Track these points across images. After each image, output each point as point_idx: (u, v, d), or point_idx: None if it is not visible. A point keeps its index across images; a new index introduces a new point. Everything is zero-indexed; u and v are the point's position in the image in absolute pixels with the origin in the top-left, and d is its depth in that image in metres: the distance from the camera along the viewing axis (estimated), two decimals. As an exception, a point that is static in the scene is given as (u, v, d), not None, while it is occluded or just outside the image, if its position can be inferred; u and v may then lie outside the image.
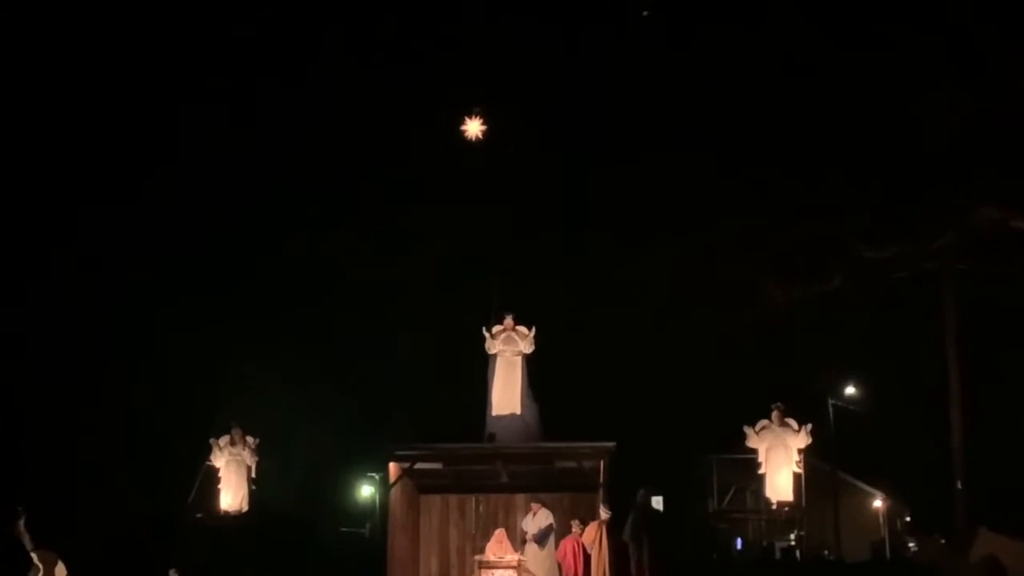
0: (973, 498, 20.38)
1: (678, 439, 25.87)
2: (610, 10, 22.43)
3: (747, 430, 17.52)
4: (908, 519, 36.54)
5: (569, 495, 18.00)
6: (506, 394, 18.23)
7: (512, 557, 16.89)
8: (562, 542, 17.05)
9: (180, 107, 23.12)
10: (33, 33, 21.19)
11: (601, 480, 16.94)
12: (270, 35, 23.22)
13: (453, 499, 18.58)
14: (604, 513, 16.39)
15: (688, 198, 21.66)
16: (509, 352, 18.36)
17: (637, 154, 22.59)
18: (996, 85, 18.92)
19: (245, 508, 17.79)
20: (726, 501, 24.25)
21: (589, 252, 23.52)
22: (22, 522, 13.01)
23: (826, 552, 26.44)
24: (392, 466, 17.63)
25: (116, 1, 21.96)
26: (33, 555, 12.61)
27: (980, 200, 19.83)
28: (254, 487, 17.93)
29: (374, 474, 24.91)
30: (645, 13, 21.99)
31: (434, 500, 18.59)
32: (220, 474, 17.84)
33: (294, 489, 23.17)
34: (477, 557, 17.15)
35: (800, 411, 17.77)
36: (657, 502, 19.16)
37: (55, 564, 12.81)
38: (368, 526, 25.28)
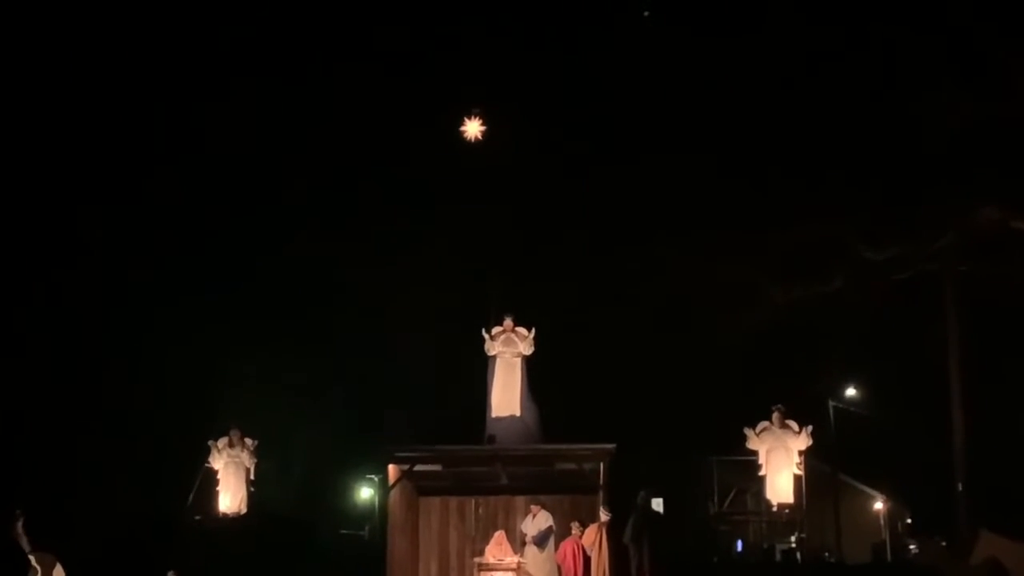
0: (974, 500, 20.34)
1: (678, 441, 25.80)
2: (610, 10, 22.43)
3: (747, 432, 17.51)
4: (909, 521, 36.44)
5: (569, 497, 17.97)
6: (506, 396, 18.21)
7: (512, 559, 16.88)
8: (562, 544, 17.01)
9: (180, 107, 23.10)
10: (32, 33, 21.16)
11: (601, 482, 16.93)
12: (270, 35, 23.20)
13: (453, 501, 18.55)
14: (604, 515, 16.38)
15: (688, 198, 21.63)
16: (509, 354, 18.34)
17: (637, 154, 22.56)
18: (996, 85, 18.90)
19: (244, 510, 17.78)
20: (727, 503, 24.19)
21: (589, 253, 23.49)
22: (20, 524, 12.97)
23: (827, 554, 26.41)
24: (391, 468, 17.61)
25: (117, 1, 21.95)
26: (31, 557, 12.57)
27: (981, 201, 19.81)
28: (253, 489, 17.93)
29: (373, 476, 24.81)
30: (646, 13, 21.99)
31: (433, 502, 18.56)
32: (219, 476, 17.84)
33: (293, 491, 23.15)
34: (477, 559, 17.14)
35: (800, 413, 17.77)
36: (657, 504, 19.07)
37: (53, 566, 12.77)
38: (367, 528, 25.20)
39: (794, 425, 17.39)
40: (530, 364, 18.40)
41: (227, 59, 22.88)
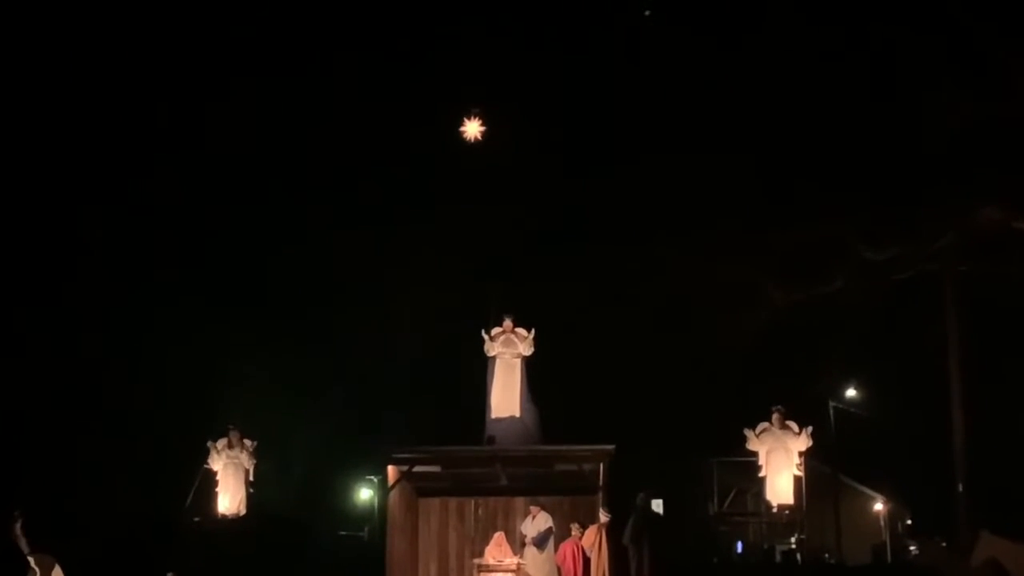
0: (975, 501, 20.31)
1: (678, 442, 25.79)
2: (610, 10, 22.39)
3: (747, 433, 17.50)
4: (909, 522, 36.48)
5: (569, 498, 17.95)
6: (505, 396, 18.20)
7: (511, 560, 16.87)
8: (561, 545, 16.99)
9: (180, 107, 23.07)
10: (32, 33, 21.14)
11: (601, 483, 16.93)
12: (270, 35, 23.17)
13: (452, 502, 18.52)
14: (604, 516, 16.36)
15: (688, 198, 21.60)
16: (508, 354, 18.32)
17: (637, 154, 22.53)
18: (996, 85, 18.87)
19: (243, 511, 17.78)
20: (726, 504, 24.22)
21: (589, 253, 23.45)
22: (19, 525, 12.94)
23: (827, 555, 26.39)
24: (391, 469, 17.61)
25: (116, 2, 21.93)
26: (30, 559, 12.53)
27: (981, 201, 19.77)
28: (252, 490, 17.93)
29: (372, 477, 24.85)
30: (647, 13, 21.96)
31: (433, 503, 18.53)
32: (218, 477, 17.83)
33: (292, 492, 23.11)
34: (476, 560, 17.14)
35: (800, 414, 17.75)
36: (657, 505, 19.08)
37: (52, 568, 12.71)
38: (367, 529, 25.23)
39: (794, 426, 17.38)
40: (530, 365, 18.38)
41: (227, 59, 22.85)
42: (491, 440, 17.91)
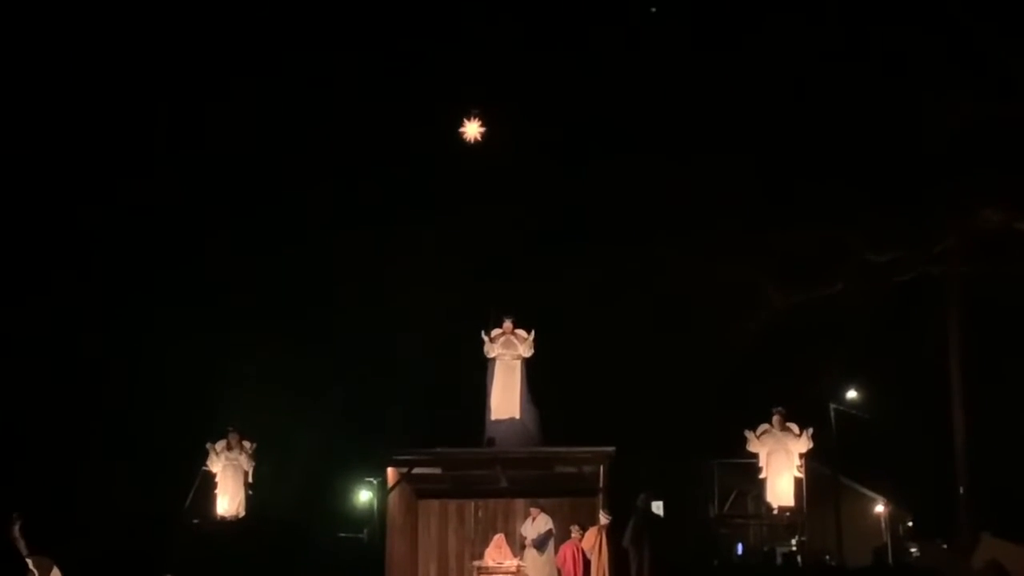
0: (976, 503, 20.30)
1: (678, 443, 25.72)
2: (610, 10, 22.36)
3: (748, 434, 17.46)
4: (910, 524, 36.42)
5: (569, 500, 17.94)
6: (505, 398, 18.16)
7: (511, 563, 16.86)
8: (562, 547, 16.97)
9: (180, 107, 23.06)
10: (32, 33, 21.13)
11: (601, 485, 16.88)
12: (269, 35, 23.15)
13: (452, 504, 18.51)
14: (604, 518, 16.33)
15: (688, 198, 21.56)
16: (508, 356, 18.28)
17: (637, 154, 22.50)
18: (996, 85, 18.84)
19: (242, 513, 17.75)
20: (727, 506, 24.13)
21: (589, 253, 23.42)
22: (17, 527, 12.94)
23: (828, 557, 26.28)
24: (390, 471, 17.56)
25: (116, 2, 21.92)
26: (28, 561, 12.53)
27: (981, 201, 19.75)
28: (251, 492, 17.89)
29: (372, 479, 24.72)
30: (653, 9, 21.93)
31: (433, 505, 18.51)
32: (217, 479, 17.79)
33: (291, 494, 23.01)
34: (476, 563, 17.12)
35: (801, 415, 17.71)
36: (657, 507, 19.03)
37: (51, 570, 12.72)
38: (366, 531, 25.10)
39: (795, 428, 17.34)
40: (530, 366, 18.34)
41: (227, 59, 22.83)
42: (491, 442, 17.87)
